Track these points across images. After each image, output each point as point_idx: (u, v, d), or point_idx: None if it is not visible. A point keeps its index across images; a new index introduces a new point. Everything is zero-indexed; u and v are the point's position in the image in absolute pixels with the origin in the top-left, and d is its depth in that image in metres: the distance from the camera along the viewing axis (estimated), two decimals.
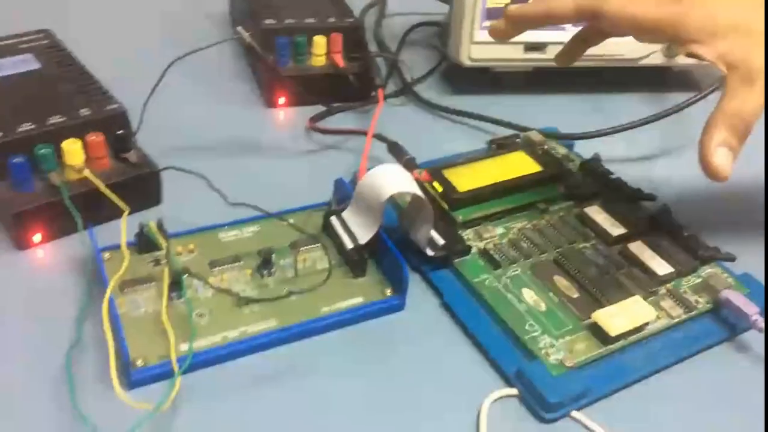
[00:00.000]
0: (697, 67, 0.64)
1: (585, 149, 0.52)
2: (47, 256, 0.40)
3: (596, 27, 0.43)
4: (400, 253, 0.39)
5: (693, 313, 0.39)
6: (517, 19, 0.43)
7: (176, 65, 0.47)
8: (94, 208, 0.40)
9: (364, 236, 0.39)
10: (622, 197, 0.47)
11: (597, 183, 0.48)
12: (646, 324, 0.37)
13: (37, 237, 0.40)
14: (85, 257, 0.39)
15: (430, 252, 0.40)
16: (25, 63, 0.46)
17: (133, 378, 0.33)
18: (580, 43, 0.47)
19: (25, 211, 0.39)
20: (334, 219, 0.41)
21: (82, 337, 0.34)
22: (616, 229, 0.43)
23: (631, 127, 0.52)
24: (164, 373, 0.33)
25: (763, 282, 0.41)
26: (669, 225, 0.44)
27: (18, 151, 0.39)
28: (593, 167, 0.49)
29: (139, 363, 0.33)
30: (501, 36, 0.45)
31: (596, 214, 0.45)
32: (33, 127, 0.41)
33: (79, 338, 0.34)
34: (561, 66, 0.48)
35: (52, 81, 0.45)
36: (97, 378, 0.33)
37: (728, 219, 0.47)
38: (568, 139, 0.53)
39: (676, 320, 0.38)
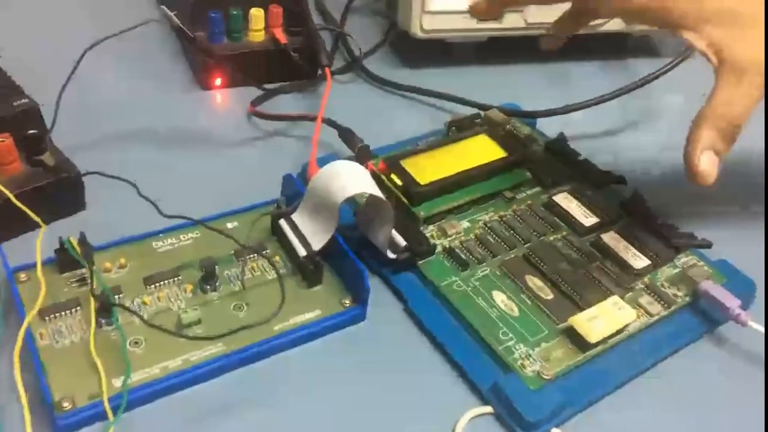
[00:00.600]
0: (656, 32, 0.61)
1: (548, 126, 0.49)
2: None
3: (584, 8, 0.41)
4: (357, 256, 0.35)
5: (672, 308, 0.37)
6: None
7: (95, 51, 0.41)
8: (4, 222, 0.35)
9: (318, 242, 0.36)
10: (591, 181, 0.44)
11: (564, 166, 0.45)
12: (626, 326, 0.35)
13: None
14: None
15: (391, 255, 0.37)
16: None
17: (59, 424, 0.28)
18: (568, 25, 0.44)
19: None
20: (283, 222, 0.37)
21: None
22: (587, 219, 0.41)
23: (597, 103, 0.49)
24: (96, 416, 0.29)
25: (739, 269, 0.39)
26: (642, 211, 0.41)
27: None
28: (559, 148, 0.46)
29: (66, 406, 0.29)
30: (483, 15, 0.42)
31: (566, 201, 0.42)
32: None
33: None
34: (549, 50, 0.45)
35: None
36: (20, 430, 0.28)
37: (700, 200, 0.45)
38: (531, 117, 0.50)
39: (656, 318, 0.36)
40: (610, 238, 0.39)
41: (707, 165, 0.34)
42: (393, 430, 0.31)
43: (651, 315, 0.36)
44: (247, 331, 0.31)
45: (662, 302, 0.37)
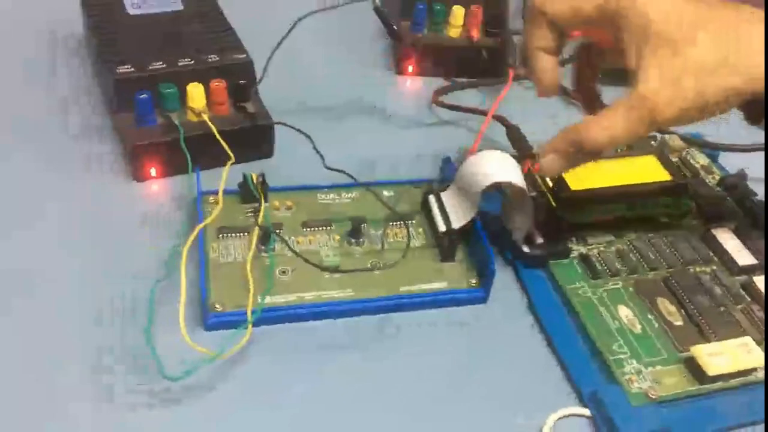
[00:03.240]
0: None
1: (731, 162, 0.47)
2: (160, 190, 0.42)
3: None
4: (495, 243, 0.37)
5: None
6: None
7: (308, 21, 0.47)
8: (207, 152, 0.41)
9: (458, 221, 0.38)
10: (761, 224, 0.41)
11: (735, 203, 0.43)
12: (753, 369, 0.33)
13: (152, 171, 0.42)
14: (192, 196, 0.41)
15: (525, 248, 0.38)
16: (170, 3, 0.48)
17: (209, 321, 0.34)
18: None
19: (144, 145, 0.41)
20: (431, 198, 0.40)
21: (173, 275, 0.36)
22: (743, 258, 0.39)
23: None
24: (238, 321, 0.34)
25: None
26: None
27: (145, 88, 0.41)
28: (734, 184, 0.44)
29: (218, 308, 0.34)
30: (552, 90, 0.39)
31: (725, 237, 0.40)
32: (162, 66, 0.42)
33: (167, 274, 0.35)
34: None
35: (189, 24, 0.47)
36: (176, 316, 0.34)
37: None
38: (713, 148, 0.48)
39: None
40: (763, 282, 0.37)
41: (547, 164, 0.36)
42: (486, 410, 0.32)
43: None
44: (377, 285, 0.35)
45: None
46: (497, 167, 0.37)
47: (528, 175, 0.39)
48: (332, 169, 0.40)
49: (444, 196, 0.39)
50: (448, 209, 0.39)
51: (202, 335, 0.34)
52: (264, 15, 0.56)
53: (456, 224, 0.38)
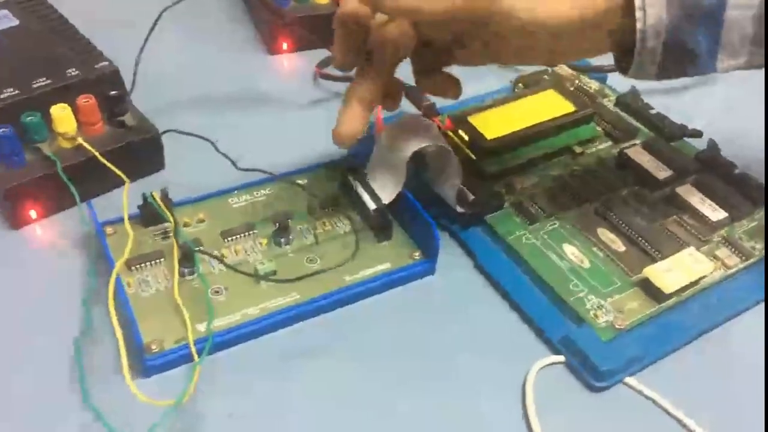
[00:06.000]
0: None
1: (620, 81, 0.48)
2: (45, 233, 0.37)
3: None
4: (426, 211, 0.35)
5: (750, 261, 0.36)
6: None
7: (168, 14, 0.42)
8: (91, 179, 0.37)
9: (387, 196, 0.36)
10: (665, 135, 0.43)
11: (636, 120, 0.44)
12: (703, 277, 0.34)
13: (32, 213, 0.37)
14: (86, 233, 0.36)
15: (459, 209, 0.37)
16: (2, 20, 0.42)
17: (148, 364, 0.30)
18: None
19: (17, 186, 0.35)
20: (352, 178, 0.38)
21: (91, 324, 0.31)
22: (661, 172, 0.40)
23: None
24: (182, 358, 0.30)
25: None
26: (718, 164, 0.40)
27: (3, 121, 0.35)
28: (631, 102, 0.45)
29: (154, 348, 0.30)
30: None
31: (638, 155, 0.41)
32: (17, 92, 0.37)
33: (88, 325, 0.31)
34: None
35: (33, 39, 0.41)
36: (110, 369, 0.30)
37: None
38: (601, 72, 0.49)
39: (733, 270, 0.35)
40: (685, 191, 0.38)
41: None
42: (465, 380, 0.31)
43: (728, 267, 0.35)
44: (321, 281, 0.32)
45: (740, 255, 0.36)
46: (416, 132, 0.35)
47: (441, 133, 0.38)
48: (244, 169, 0.36)
49: (366, 172, 0.37)
50: (373, 186, 0.37)
51: (145, 383, 0.30)
52: (113, 19, 0.50)
53: (386, 199, 0.36)
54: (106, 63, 0.40)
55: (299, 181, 0.39)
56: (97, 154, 0.36)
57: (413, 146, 0.34)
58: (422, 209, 0.35)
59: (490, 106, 0.43)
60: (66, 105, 0.37)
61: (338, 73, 0.49)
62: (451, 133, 0.41)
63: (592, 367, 0.31)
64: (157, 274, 0.34)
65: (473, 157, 0.40)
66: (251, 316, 0.32)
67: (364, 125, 0.33)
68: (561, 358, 0.32)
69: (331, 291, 0.34)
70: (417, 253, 0.36)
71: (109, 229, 0.35)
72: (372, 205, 0.36)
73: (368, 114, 0.33)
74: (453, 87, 0.36)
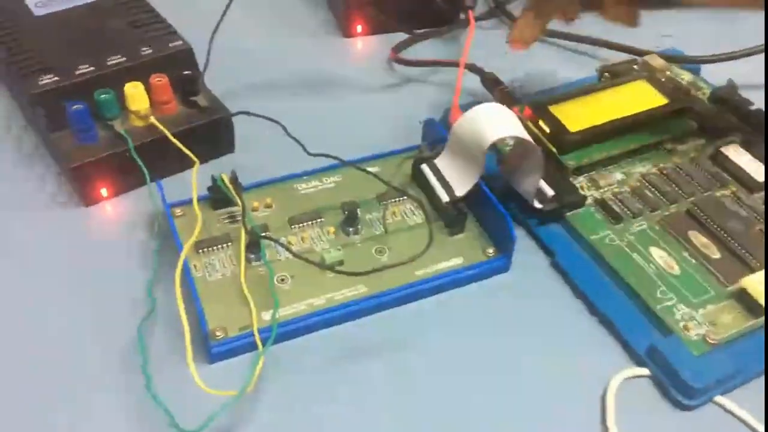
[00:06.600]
0: None
1: (714, 75, 0.44)
2: (115, 211, 0.37)
3: None
4: (502, 205, 0.33)
5: None
6: None
7: None
8: (162, 159, 0.36)
9: (462, 188, 0.34)
10: (765, 133, 0.39)
11: (733, 116, 0.40)
12: None
13: (103, 191, 0.36)
14: (154, 213, 0.36)
15: (538, 204, 0.35)
16: None
17: (212, 351, 0.29)
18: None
19: (88, 164, 0.35)
20: (425, 167, 0.36)
21: (156, 306, 0.31)
22: (760, 173, 0.36)
23: None
24: (246, 346, 0.30)
25: None
26: None
27: (77, 98, 0.35)
28: (728, 97, 0.42)
29: (219, 335, 0.30)
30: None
31: (736, 154, 0.38)
32: (92, 69, 0.37)
33: (152, 309, 0.31)
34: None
35: (109, 15, 0.41)
36: (173, 354, 0.29)
37: None
38: (695, 63, 0.45)
39: None
40: None
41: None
42: (539, 387, 0.29)
43: None
44: (390, 274, 0.31)
45: None
46: (497, 122, 0.33)
47: (523, 123, 0.36)
48: (314, 154, 0.35)
49: (439, 162, 0.36)
50: (447, 177, 0.35)
51: (206, 370, 0.29)
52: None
53: (460, 191, 0.34)
54: (180, 42, 0.39)
55: (370, 169, 0.38)
56: (168, 133, 0.36)
57: (493, 136, 0.32)
58: (498, 203, 0.33)
59: (573, 96, 0.40)
60: (139, 83, 0.36)
61: (413, 57, 0.48)
62: (530, 124, 0.39)
63: (683, 382, 0.28)
64: (224, 259, 0.33)
65: (554, 150, 0.37)
66: (317, 306, 0.31)
67: (539, 32, 0.38)
68: (646, 371, 0.30)
69: (400, 285, 0.32)
70: (491, 249, 0.34)
71: (177, 211, 0.35)
72: (445, 197, 0.34)
73: (543, 24, 0.37)
74: (633, 16, 0.38)
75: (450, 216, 0.34)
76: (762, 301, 0.30)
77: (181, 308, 0.28)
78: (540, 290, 0.33)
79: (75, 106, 0.35)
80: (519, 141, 0.33)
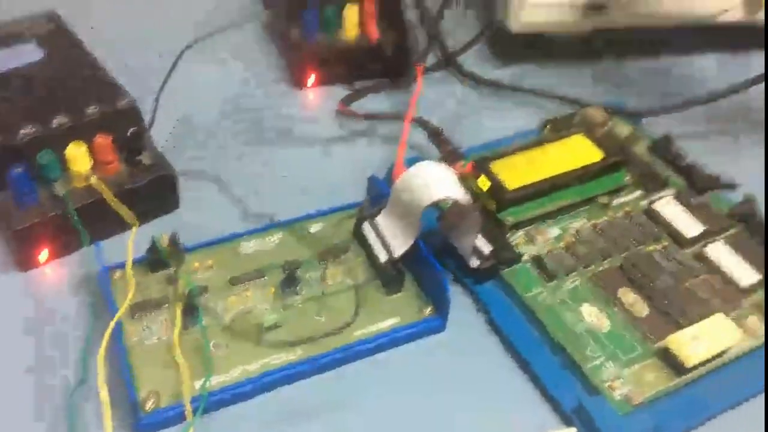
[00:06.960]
0: None
1: (655, 125, 0.46)
2: (55, 275, 0.37)
3: None
4: (440, 263, 0.34)
5: None
6: None
7: (193, 49, 0.42)
8: (102, 220, 0.36)
9: (399, 247, 0.35)
10: (697, 186, 0.41)
11: (669, 168, 0.42)
12: (728, 349, 0.32)
13: (43, 255, 0.36)
14: (94, 276, 0.36)
15: (474, 263, 0.35)
16: (28, 53, 0.42)
17: (142, 423, 0.29)
18: None
19: (28, 227, 0.35)
20: (366, 226, 0.37)
21: (87, 376, 0.31)
22: (690, 229, 0.37)
23: (708, 101, 0.45)
24: (177, 417, 0.30)
25: None
26: (753, 219, 0.38)
27: (19, 159, 0.36)
28: (664, 149, 0.43)
29: (149, 405, 0.30)
30: None
31: (667, 208, 0.39)
32: (35, 130, 0.37)
33: (83, 378, 0.31)
34: None
35: (55, 74, 0.41)
36: (100, 429, 0.29)
37: None
38: (634, 115, 0.47)
39: (761, 341, 0.33)
40: (714, 250, 0.36)
41: None
42: None
43: (757, 338, 0.33)
44: (325, 337, 0.31)
45: None
46: (436, 181, 0.34)
47: (461, 180, 0.36)
48: (257, 214, 0.36)
49: (379, 221, 0.36)
50: (386, 235, 0.36)
51: None
52: (136, 52, 0.50)
53: (398, 251, 0.35)
54: (126, 99, 0.39)
55: (313, 226, 0.38)
56: (108, 194, 0.36)
57: (430, 197, 0.33)
58: (436, 261, 0.34)
59: (514, 152, 0.41)
60: (82, 143, 0.37)
61: (361, 110, 0.48)
62: (471, 180, 0.39)
63: None
64: (160, 322, 0.33)
65: (492, 207, 0.38)
66: (252, 372, 0.31)
67: None
68: (573, 430, 0.30)
69: (337, 347, 0.33)
70: (428, 309, 0.34)
71: (116, 273, 0.35)
72: (383, 257, 0.35)
73: None
74: None
75: (388, 276, 0.35)
76: (686, 363, 0.31)
77: (100, 379, 0.28)
78: (475, 348, 0.34)
79: (16, 170, 0.35)
80: (460, 203, 0.34)
